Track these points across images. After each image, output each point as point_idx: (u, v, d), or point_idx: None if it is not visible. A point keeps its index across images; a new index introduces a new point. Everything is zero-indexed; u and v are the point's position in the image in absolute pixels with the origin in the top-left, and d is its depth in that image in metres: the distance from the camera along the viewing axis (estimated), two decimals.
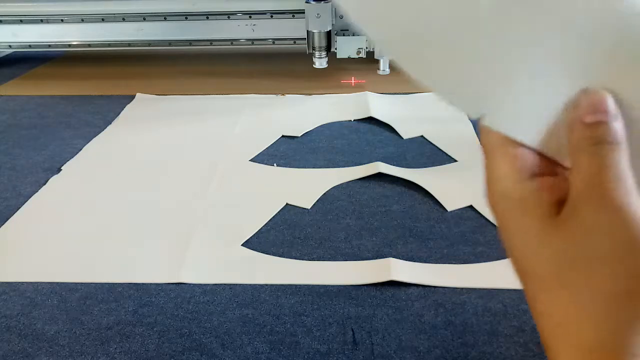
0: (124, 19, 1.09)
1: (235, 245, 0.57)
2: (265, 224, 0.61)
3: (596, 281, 0.19)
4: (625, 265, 0.19)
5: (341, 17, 0.98)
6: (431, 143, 0.79)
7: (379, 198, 0.65)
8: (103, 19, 1.09)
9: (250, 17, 1.06)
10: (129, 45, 1.12)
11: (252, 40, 1.08)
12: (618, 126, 0.20)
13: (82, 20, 1.10)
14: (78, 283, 0.52)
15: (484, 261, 0.54)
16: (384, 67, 0.98)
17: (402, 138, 0.80)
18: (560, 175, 0.22)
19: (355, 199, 0.65)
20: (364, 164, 0.72)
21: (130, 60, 1.23)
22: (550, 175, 0.22)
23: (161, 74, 1.14)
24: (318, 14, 0.93)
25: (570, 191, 0.21)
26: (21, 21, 1.11)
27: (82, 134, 0.85)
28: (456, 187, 0.65)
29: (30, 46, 1.14)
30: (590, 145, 0.20)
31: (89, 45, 1.13)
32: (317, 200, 0.65)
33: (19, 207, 0.65)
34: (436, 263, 0.54)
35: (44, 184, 0.70)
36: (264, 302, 0.49)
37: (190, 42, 1.10)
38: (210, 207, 0.64)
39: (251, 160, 0.75)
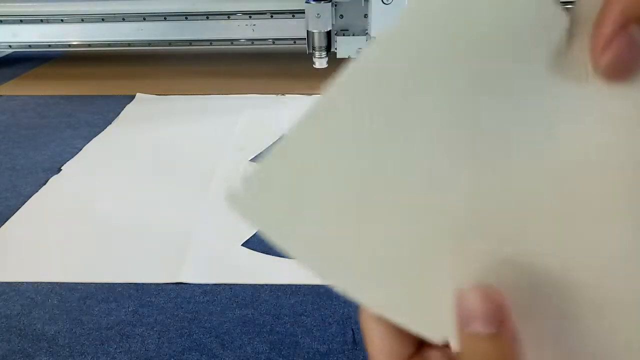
0: (124, 19, 1.09)
1: (235, 245, 0.57)
2: None
3: None
4: None
5: (341, 17, 0.98)
6: None
7: None
8: (103, 19, 1.09)
9: (250, 17, 1.06)
10: (129, 45, 1.12)
11: (252, 40, 1.08)
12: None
13: (82, 20, 1.10)
14: (78, 283, 0.52)
15: None
16: None
17: None
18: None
19: None
20: None
21: (130, 60, 1.23)
22: None
23: (161, 74, 1.14)
24: (318, 14, 0.93)
25: None
26: (21, 21, 1.11)
27: (82, 134, 0.85)
28: None
29: (30, 46, 1.14)
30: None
31: (89, 45, 1.13)
32: None
33: (19, 207, 0.65)
34: None
35: (44, 183, 0.70)
36: (264, 302, 0.49)
37: (190, 42, 1.11)
38: (210, 207, 0.64)
39: (251, 160, 0.75)
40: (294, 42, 1.06)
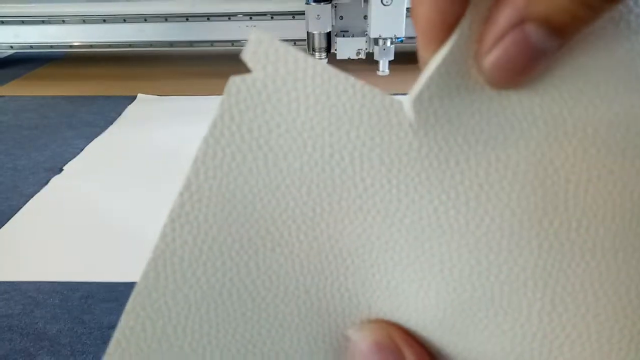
0: (125, 20, 1.09)
1: None
2: None
3: None
4: None
5: (341, 18, 0.98)
6: None
7: None
8: (104, 20, 1.10)
9: (250, 18, 1.06)
10: (130, 46, 1.12)
11: None
12: None
13: (84, 21, 1.10)
14: (79, 282, 0.53)
15: None
16: (383, 68, 0.98)
17: None
18: None
19: None
20: None
21: (131, 61, 1.23)
22: None
23: (162, 75, 1.14)
24: (318, 16, 0.93)
25: None
26: (23, 22, 1.12)
27: (83, 134, 0.86)
28: None
29: (31, 47, 1.15)
30: None
31: (91, 46, 1.13)
32: None
33: (21, 207, 0.65)
34: None
35: (46, 184, 0.71)
36: None
37: (191, 43, 1.11)
38: None
39: None
40: (294, 43, 1.07)
